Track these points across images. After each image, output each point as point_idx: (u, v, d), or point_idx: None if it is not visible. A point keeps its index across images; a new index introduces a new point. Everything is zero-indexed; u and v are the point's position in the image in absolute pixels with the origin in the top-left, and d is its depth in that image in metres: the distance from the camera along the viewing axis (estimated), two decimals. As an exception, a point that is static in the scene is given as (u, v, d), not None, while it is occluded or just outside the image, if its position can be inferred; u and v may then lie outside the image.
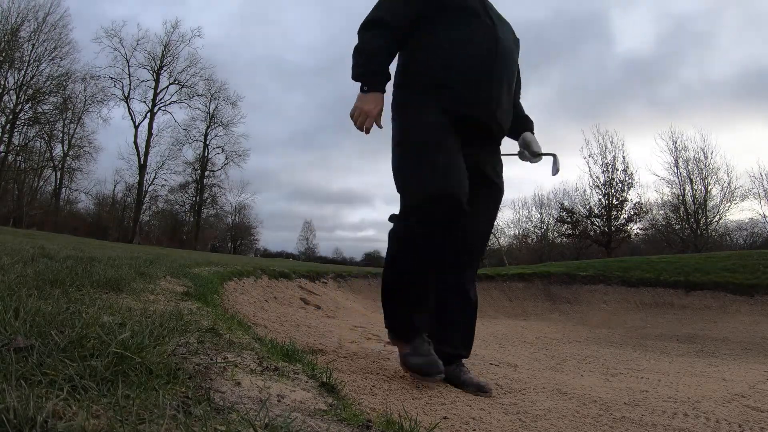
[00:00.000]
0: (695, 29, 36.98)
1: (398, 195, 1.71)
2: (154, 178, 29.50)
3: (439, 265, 1.72)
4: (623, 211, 23.97)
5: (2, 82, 23.06)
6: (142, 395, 0.64)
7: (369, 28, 1.69)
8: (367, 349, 2.41)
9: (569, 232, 25.86)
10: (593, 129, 35.26)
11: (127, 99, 28.17)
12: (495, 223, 2.14)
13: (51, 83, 24.71)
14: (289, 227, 60.89)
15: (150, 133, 28.71)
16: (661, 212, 24.22)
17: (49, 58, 24.35)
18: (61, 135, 26.83)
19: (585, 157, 24.61)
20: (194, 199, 31.67)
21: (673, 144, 23.84)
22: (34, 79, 24.13)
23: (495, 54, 1.68)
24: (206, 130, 30.96)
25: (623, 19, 42.13)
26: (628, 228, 24.26)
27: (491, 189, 1.85)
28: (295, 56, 48.43)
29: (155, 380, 0.71)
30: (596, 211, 24.43)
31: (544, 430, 1.33)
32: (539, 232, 29.22)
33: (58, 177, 27.71)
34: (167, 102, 29.43)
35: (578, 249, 25.10)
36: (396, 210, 1.71)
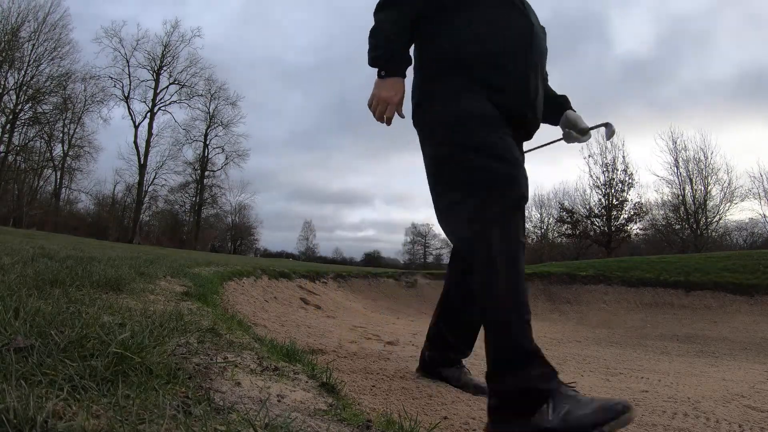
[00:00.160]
0: (694, 29, 37.01)
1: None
2: (154, 178, 29.57)
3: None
4: (623, 211, 24.04)
5: (2, 82, 23.10)
6: (142, 395, 0.64)
7: (385, 7, 1.52)
8: (367, 349, 2.41)
9: (569, 232, 25.88)
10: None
11: (127, 99, 28.24)
12: None
13: (51, 83, 24.77)
14: (289, 227, 60.91)
15: (150, 133, 28.78)
16: (661, 212, 24.27)
17: (49, 58, 24.43)
18: (61, 135, 26.92)
19: (585, 157, 24.67)
20: (194, 199, 31.72)
21: (673, 144, 23.90)
22: (34, 79, 24.20)
23: (530, 40, 1.52)
24: (206, 130, 31.04)
25: (622, 20, 42.13)
26: (628, 228, 24.32)
27: None
28: (295, 56, 48.50)
29: (155, 380, 0.71)
30: (596, 211, 24.49)
31: (544, 430, 1.32)
32: (539, 232, 29.20)
33: (58, 177, 27.77)
34: (167, 102, 29.51)
35: (578, 249, 25.11)
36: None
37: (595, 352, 3.68)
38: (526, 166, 1.49)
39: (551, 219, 28.34)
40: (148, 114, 28.75)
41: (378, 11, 1.54)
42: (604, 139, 1.85)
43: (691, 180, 23.38)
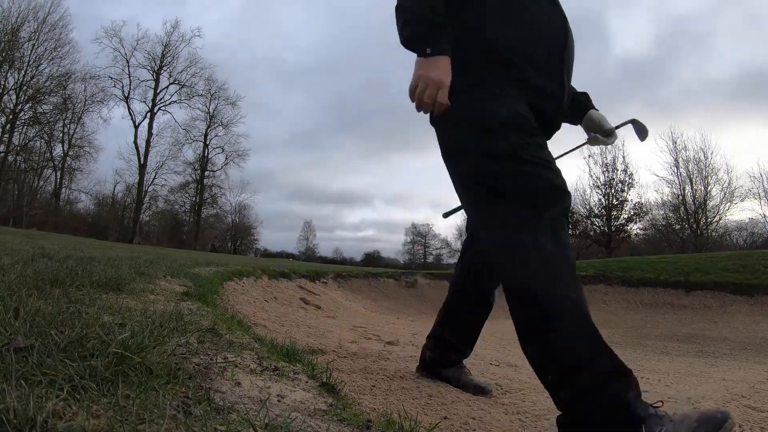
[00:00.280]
0: (694, 30, 37.01)
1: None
2: (154, 178, 29.61)
3: None
4: (623, 211, 24.04)
5: (2, 82, 23.11)
6: (142, 395, 0.64)
7: None
8: (367, 349, 2.41)
9: (569, 232, 25.86)
10: (593, 129, 35.23)
11: (127, 99, 28.30)
12: None
13: (51, 83, 24.80)
14: (289, 227, 60.97)
15: (150, 133, 28.83)
16: (661, 212, 24.29)
17: (49, 58, 24.46)
18: (61, 135, 26.95)
19: (585, 157, 24.64)
20: (194, 199, 31.75)
21: (673, 144, 23.91)
22: (34, 79, 24.23)
23: (565, 38, 1.36)
24: (206, 130, 31.09)
25: (622, 20, 42.15)
26: (628, 228, 24.32)
27: None
28: (295, 56, 48.53)
29: (155, 380, 0.71)
30: (596, 211, 24.49)
31: (544, 430, 1.33)
32: (539, 232, 29.16)
33: (58, 177, 27.79)
34: (167, 102, 29.56)
35: (578, 249, 25.09)
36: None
37: (595, 352, 3.67)
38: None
39: (551, 219, 28.31)
40: (148, 114, 28.85)
41: None
42: (639, 140, 1.73)
43: (691, 180, 23.42)
